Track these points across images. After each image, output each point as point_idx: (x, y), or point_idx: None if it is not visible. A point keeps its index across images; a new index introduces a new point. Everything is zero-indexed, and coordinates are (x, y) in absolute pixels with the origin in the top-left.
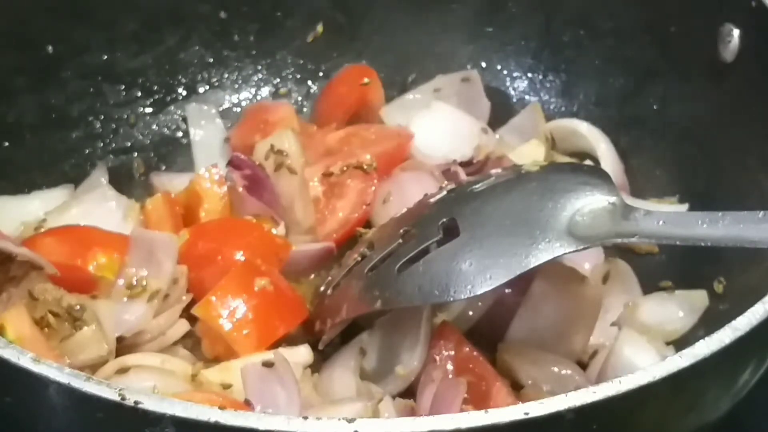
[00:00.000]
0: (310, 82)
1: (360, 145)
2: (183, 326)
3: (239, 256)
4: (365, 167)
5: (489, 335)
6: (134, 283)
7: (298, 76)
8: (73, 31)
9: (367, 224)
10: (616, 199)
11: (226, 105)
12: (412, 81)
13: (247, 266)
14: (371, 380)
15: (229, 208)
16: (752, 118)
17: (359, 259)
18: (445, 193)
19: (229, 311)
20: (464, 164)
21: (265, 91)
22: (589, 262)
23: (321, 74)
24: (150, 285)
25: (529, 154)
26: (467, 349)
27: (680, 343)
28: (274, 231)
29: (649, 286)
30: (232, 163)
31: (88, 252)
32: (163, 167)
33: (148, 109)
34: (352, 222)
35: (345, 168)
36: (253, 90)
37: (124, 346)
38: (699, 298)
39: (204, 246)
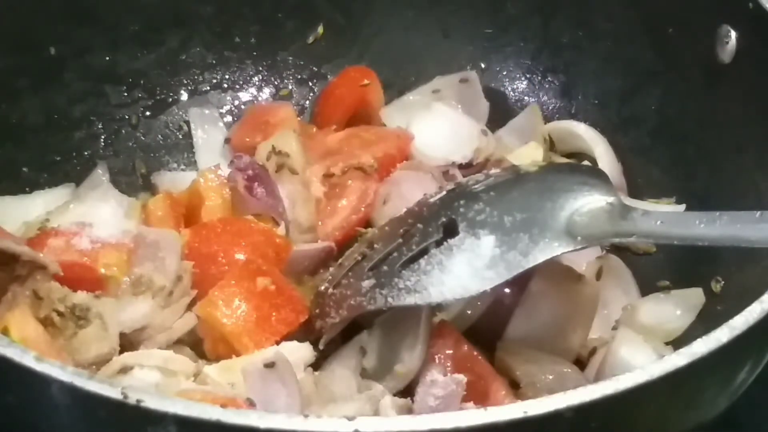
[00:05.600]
0: (311, 83)
1: (360, 146)
2: (190, 319)
3: (240, 255)
4: (366, 168)
5: (487, 334)
6: (139, 280)
7: (299, 77)
8: (76, 33)
9: (368, 224)
10: (614, 199)
11: (228, 106)
12: (412, 82)
13: (248, 266)
14: (371, 379)
15: (231, 208)
16: (749, 118)
17: (359, 258)
18: (444, 193)
19: (231, 310)
20: (464, 166)
21: (266, 92)
22: (585, 261)
23: (322, 75)
24: (154, 282)
25: (528, 156)
26: (466, 348)
27: (679, 342)
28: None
29: (646, 286)
30: (235, 164)
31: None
32: (165, 167)
33: (150, 110)
34: (352, 222)
35: (346, 169)
36: (254, 91)
37: (129, 341)
38: (695, 296)
39: (205, 246)
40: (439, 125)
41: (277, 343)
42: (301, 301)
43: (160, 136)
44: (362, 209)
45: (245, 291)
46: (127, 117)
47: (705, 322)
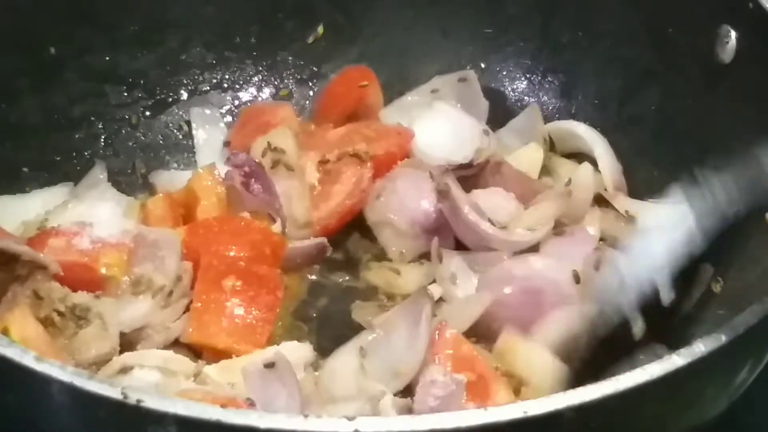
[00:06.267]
0: (311, 83)
1: (361, 142)
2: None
3: (235, 253)
4: (361, 155)
5: (487, 334)
6: (139, 280)
7: (299, 77)
8: (76, 33)
9: (361, 216)
10: None
11: (228, 106)
12: (412, 82)
13: (206, 274)
14: (372, 379)
15: (227, 205)
16: (749, 118)
17: None
18: None
19: (218, 329)
20: (464, 166)
21: (266, 92)
22: (583, 255)
23: (322, 75)
24: (154, 282)
25: (528, 157)
26: (466, 347)
27: (678, 342)
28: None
29: None
30: (231, 160)
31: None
32: (165, 167)
33: (150, 110)
34: (347, 209)
35: (341, 156)
36: (254, 91)
37: (128, 341)
38: None
39: (201, 244)
40: (440, 124)
41: (277, 343)
42: (272, 276)
43: (160, 136)
44: (357, 195)
45: (219, 303)
46: (127, 117)
47: (705, 322)
